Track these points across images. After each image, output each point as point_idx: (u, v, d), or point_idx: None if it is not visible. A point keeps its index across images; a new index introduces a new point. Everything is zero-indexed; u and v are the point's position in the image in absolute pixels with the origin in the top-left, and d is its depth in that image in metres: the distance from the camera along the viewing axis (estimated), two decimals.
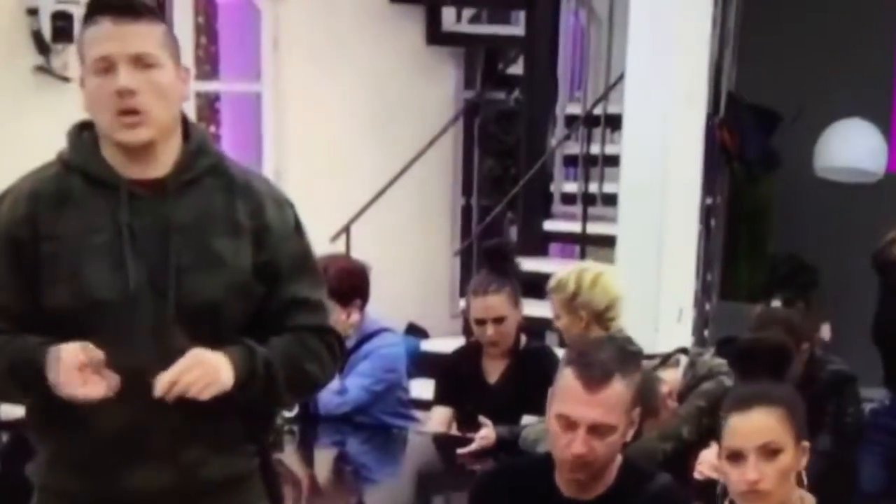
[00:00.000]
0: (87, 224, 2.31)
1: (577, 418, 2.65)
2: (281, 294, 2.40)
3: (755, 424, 2.55)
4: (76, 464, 2.34)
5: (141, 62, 2.27)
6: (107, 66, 2.27)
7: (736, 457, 2.56)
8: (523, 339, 4.43)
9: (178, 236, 2.31)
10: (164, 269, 2.29)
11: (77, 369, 2.19)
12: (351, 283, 4.46)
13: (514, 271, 4.45)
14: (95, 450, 2.32)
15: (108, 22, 2.28)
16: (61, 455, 2.37)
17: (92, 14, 2.32)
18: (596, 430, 2.66)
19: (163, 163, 2.34)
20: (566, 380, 2.69)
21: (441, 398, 4.56)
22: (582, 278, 4.19)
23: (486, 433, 4.06)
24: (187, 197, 2.34)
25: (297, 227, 2.46)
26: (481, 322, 4.32)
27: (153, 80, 2.28)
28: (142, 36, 2.28)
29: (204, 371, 2.24)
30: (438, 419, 4.52)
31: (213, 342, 2.30)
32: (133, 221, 2.30)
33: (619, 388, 2.67)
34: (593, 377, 2.66)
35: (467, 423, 4.32)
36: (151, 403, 2.23)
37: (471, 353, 4.51)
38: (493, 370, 4.41)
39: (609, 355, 2.72)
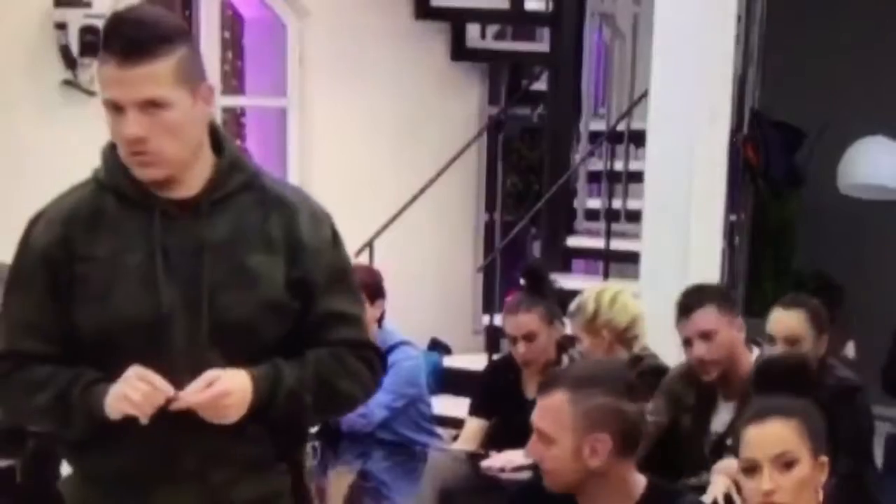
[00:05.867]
0: (121, 245, 2.30)
1: (532, 421, 2.71)
2: (317, 308, 2.36)
3: (770, 434, 2.54)
4: (108, 483, 2.34)
5: (149, 106, 2.22)
6: (116, 108, 2.24)
7: (751, 468, 2.54)
8: (565, 359, 4.40)
9: (210, 255, 2.29)
10: (197, 289, 2.28)
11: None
12: (373, 279, 4.52)
13: (552, 290, 4.46)
14: (127, 469, 2.31)
15: (114, 64, 2.21)
16: (93, 473, 2.37)
17: (103, 44, 2.25)
18: (540, 436, 2.68)
19: (191, 184, 2.32)
20: None
21: (475, 410, 4.56)
22: (601, 298, 4.19)
23: (513, 456, 4.04)
24: (221, 214, 2.32)
25: (334, 241, 2.42)
26: (514, 340, 4.34)
27: (164, 121, 2.23)
28: (150, 79, 2.21)
29: (222, 399, 2.23)
30: (470, 431, 4.51)
31: (248, 361, 2.29)
32: (166, 241, 2.29)
33: (558, 400, 2.66)
34: (542, 383, 2.75)
35: (499, 437, 4.31)
36: (182, 424, 2.24)
37: (510, 367, 4.50)
38: (532, 385, 4.39)
39: (576, 369, 2.79)
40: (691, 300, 3.95)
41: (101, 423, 2.27)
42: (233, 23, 6.98)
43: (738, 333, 3.95)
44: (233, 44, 7.02)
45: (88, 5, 5.73)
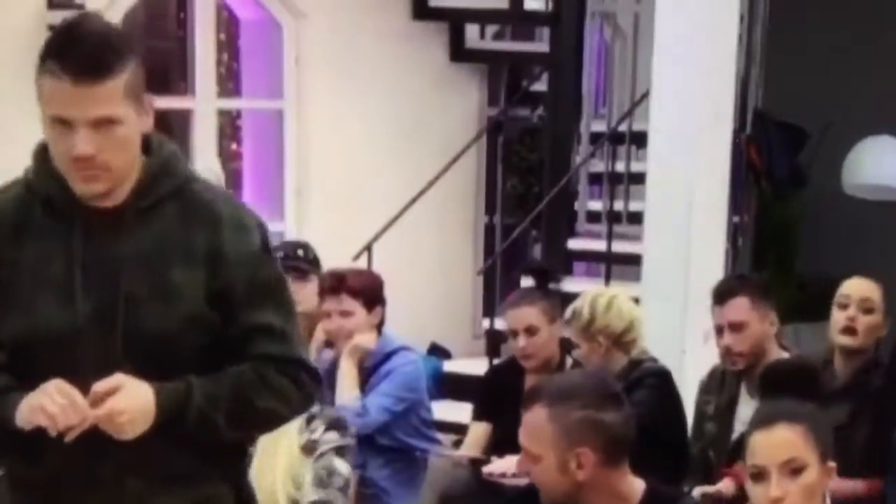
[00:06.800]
0: (43, 252, 2.28)
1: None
2: (241, 321, 2.30)
3: (777, 441, 2.53)
4: (32, 489, 2.33)
5: (101, 123, 2.19)
6: (63, 124, 2.19)
7: (759, 475, 2.53)
8: (569, 360, 4.39)
9: (129, 268, 2.25)
10: (113, 303, 2.25)
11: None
12: (373, 285, 4.50)
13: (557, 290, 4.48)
14: (49, 477, 2.30)
15: (69, 82, 2.15)
16: (18, 479, 2.36)
17: (51, 57, 2.18)
18: (526, 453, 2.73)
19: (118, 193, 2.28)
20: None
21: (479, 414, 4.56)
22: (596, 303, 4.20)
23: (515, 462, 4.00)
24: (145, 224, 2.29)
25: (263, 251, 2.34)
26: (514, 334, 4.35)
27: (115, 137, 2.20)
28: (104, 98, 2.17)
29: (115, 417, 2.19)
30: (474, 436, 4.50)
31: (164, 376, 2.25)
32: (86, 253, 2.26)
33: (538, 418, 2.70)
34: (524, 398, 2.79)
35: (502, 441, 4.28)
36: (100, 432, 2.21)
37: (513, 369, 4.51)
38: None
39: (553, 384, 2.80)
40: (726, 289, 4.08)
41: (11, 432, 2.24)
42: (228, 24, 6.94)
43: (770, 328, 4.05)
44: (228, 45, 6.98)
45: (81, 7, 5.69)
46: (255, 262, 2.32)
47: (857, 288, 4.20)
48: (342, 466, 3.57)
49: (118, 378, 2.20)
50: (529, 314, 4.33)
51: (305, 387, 2.36)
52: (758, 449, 2.54)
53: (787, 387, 2.64)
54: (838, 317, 4.13)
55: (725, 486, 3.78)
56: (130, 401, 2.20)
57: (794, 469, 2.51)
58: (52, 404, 2.17)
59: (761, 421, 2.57)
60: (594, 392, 2.72)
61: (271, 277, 2.35)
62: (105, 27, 2.25)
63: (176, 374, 2.25)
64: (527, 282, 5.16)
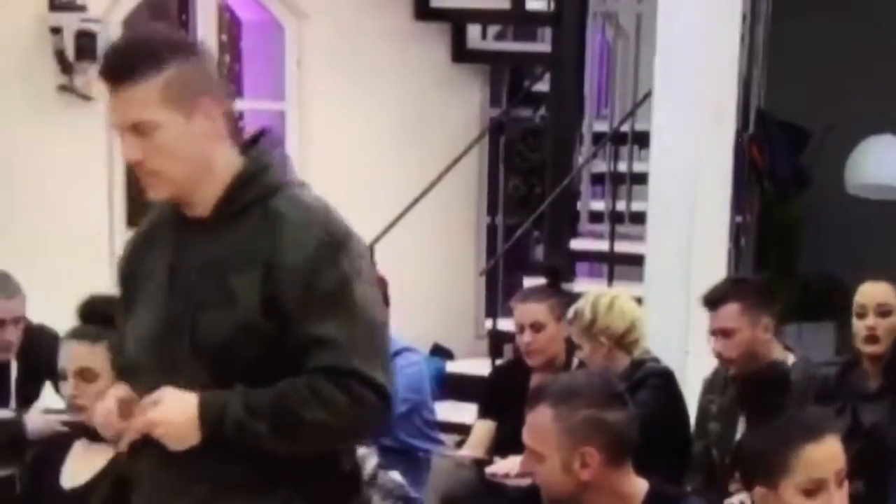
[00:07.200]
0: (152, 262, 2.39)
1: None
2: (298, 332, 2.27)
3: (832, 451, 2.53)
4: (134, 489, 2.45)
5: (139, 129, 2.25)
6: (118, 133, 2.30)
7: (815, 489, 2.50)
8: (575, 360, 4.38)
9: (199, 276, 2.30)
10: (182, 311, 2.31)
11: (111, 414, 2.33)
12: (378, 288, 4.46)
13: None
14: (136, 479, 2.42)
15: (109, 89, 2.27)
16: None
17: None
18: (530, 452, 2.70)
19: (204, 203, 2.33)
20: None
21: (483, 412, 4.56)
22: (598, 304, 4.19)
23: (518, 462, 3.99)
24: (224, 232, 2.32)
25: (325, 262, 2.28)
26: (521, 328, 4.37)
27: (156, 143, 2.25)
28: (135, 103, 2.24)
29: (153, 429, 2.27)
30: (479, 434, 4.50)
31: (228, 384, 2.27)
32: (177, 261, 2.34)
33: (542, 418, 2.68)
34: (528, 398, 2.76)
35: (505, 441, 4.27)
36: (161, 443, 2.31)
37: (516, 369, 4.51)
38: None
39: (557, 384, 2.77)
40: (716, 295, 4.06)
41: None
42: (230, 25, 6.93)
43: (763, 334, 4.01)
44: (230, 47, 6.97)
45: (84, 9, 5.70)
46: (311, 270, 2.27)
47: (870, 295, 4.16)
48: (395, 476, 3.59)
49: (161, 391, 2.27)
50: (537, 310, 4.35)
51: (362, 399, 2.27)
52: (815, 463, 2.49)
53: (766, 394, 2.61)
54: (858, 326, 4.10)
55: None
56: (168, 414, 2.26)
57: (842, 478, 2.53)
58: (100, 411, 2.32)
59: (809, 435, 2.52)
60: (599, 392, 2.71)
61: (329, 286, 2.28)
62: (144, 35, 2.33)
63: (239, 383, 2.27)
64: (532, 281, 5.14)
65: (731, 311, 3.99)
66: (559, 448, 2.65)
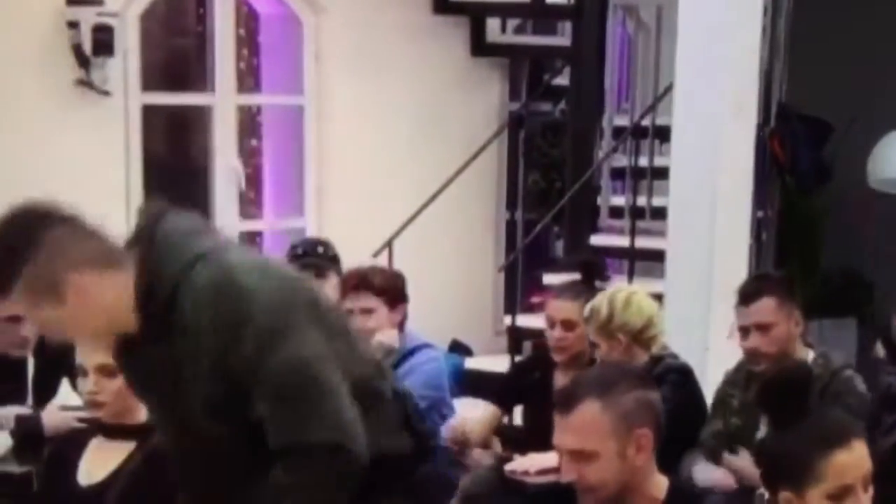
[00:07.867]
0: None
1: (557, 444, 2.62)
2: (253, 413, 2.37)
3: (860, 456, 2.51)
4: None
5: (40, 322, 2.43)
6: None
7: (843, 494, 2.47)
8: (598, 357, 4.36)
9: (157, 377, 2.49)
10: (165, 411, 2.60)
11: None
12: (395, 283, 4.49)
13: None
14: None
15: None
16: None
17: None
18: (576, 455, 2.59)
19: (127, 328, 2.42)
20: None
21: (497, 403, 4.64)
22: (614, 300, 4.17)
23: (538, 459, 4.01)
24: (162, 336, 2.40)
25: (229, 343, 2.31)
26: (552, 323, 4.39)
27: (50, 329, 2.49)
28: (16, 308, 2.55)
29: None
30: (481, 411, 4.56)
31: (220, 471, 2.46)
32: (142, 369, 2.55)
33: (590, 412, 2.57)
34: (559, 402, 2.62)
35: (525, 437, 4.32)
36: None
37: (537, 365, 4.55)
38: (566, 380, 4.35)
39: (592, 377, 2.71)
40: (751, 290, 4.00)
41: None
42: (248, 20, 6.91)
43: (795, 328, 3.99)
44: (248, 41, 6.95)
45: (101, 3, 5.70)
46: (220, 356, 2.33)
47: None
48: None
49: None
50: (571, 309, 4.35)
51: (310, 470, 2.32)
52: (844, 468, 2.47)
53: (788, 397, 2.57)
54: None
55: None
56: None
57: (868, 483, 2.51)
58: None
59: (838, 440, 2.49)
60: (633, 375, 2.71)
61: (239, 367, 2.32)
62: None
63: (229, 466, 2.41)
64: (556, 278, 5.10)
65: (768, 306, 3.93)
66: (615, 436, 2.57)
